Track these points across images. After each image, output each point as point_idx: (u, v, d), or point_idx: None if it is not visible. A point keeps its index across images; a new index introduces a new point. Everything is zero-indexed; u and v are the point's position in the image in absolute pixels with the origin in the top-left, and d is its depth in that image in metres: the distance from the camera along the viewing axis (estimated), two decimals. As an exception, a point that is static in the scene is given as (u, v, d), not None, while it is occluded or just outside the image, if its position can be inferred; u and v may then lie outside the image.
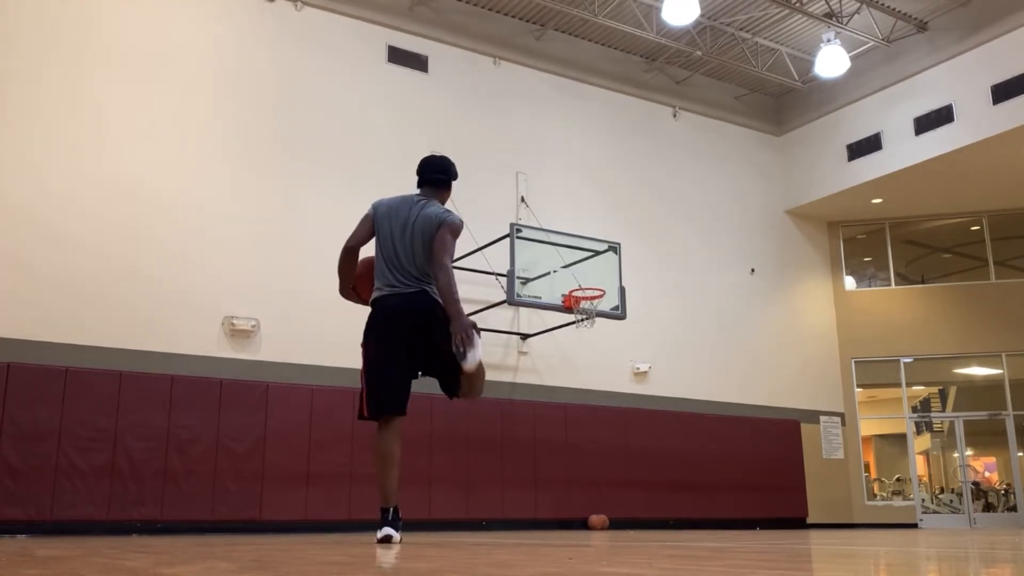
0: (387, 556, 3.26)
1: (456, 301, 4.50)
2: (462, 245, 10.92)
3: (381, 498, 4.61)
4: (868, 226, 15.39)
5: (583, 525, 11.17)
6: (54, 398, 8.48)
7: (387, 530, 4.50)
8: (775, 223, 14.77)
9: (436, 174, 4.88)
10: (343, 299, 5.18)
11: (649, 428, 12.21)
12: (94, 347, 8.90)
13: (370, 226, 4.80)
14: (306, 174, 10.54)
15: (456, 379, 4.74)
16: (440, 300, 4.59)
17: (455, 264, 11.61)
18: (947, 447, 15.66)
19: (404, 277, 4.63)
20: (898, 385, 14.73)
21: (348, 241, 4.89)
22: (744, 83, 14.50)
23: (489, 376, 11.58)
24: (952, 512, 14.50)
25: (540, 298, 10.03)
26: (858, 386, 14.80)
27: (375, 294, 4.75)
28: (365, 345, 4.74)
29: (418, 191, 4.88)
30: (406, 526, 10.62)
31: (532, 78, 12.63)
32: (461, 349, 4.45)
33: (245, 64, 10.46)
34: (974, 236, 15.02)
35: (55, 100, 9.27)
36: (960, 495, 14.56)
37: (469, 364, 4.48)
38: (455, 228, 4.69)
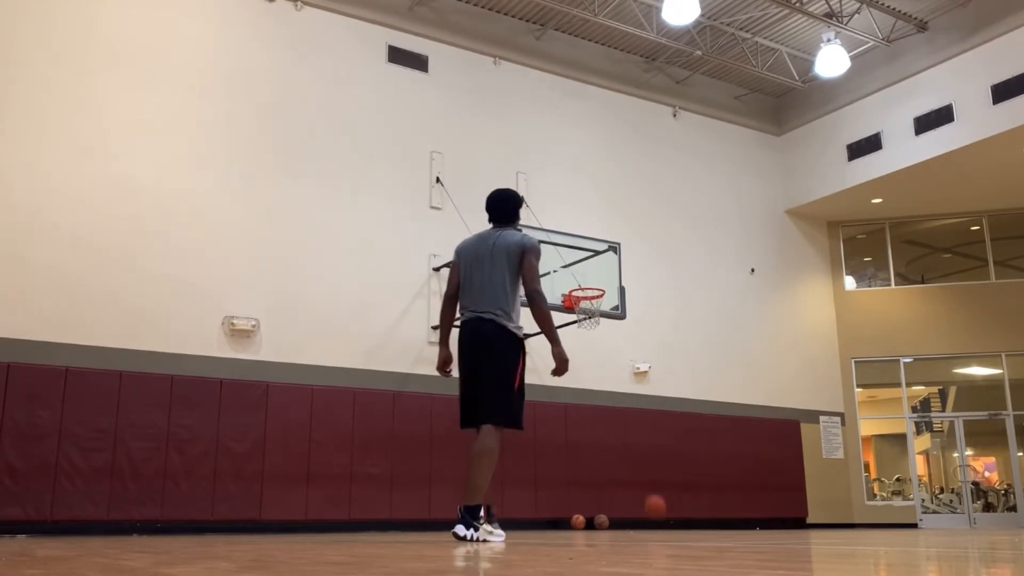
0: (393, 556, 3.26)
1: (554, 328, 5.06)
2: (462, 245, 10.98)
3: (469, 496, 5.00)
4: (868, 226, 15.39)
5: (584, 525, 11.17)
6: (54, 398, 8.48)
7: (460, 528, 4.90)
8: (775, 223, 14.77)
9: (499, 210, 5.35)
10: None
11: (649, 428, 12.21)
12: (94, 347, 8.90)
13: (457, 272, 5.31)
14: (306, 174, 10.55)
15: (481, 404, 5.04)
16: (501, 322, 5.05)
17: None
18: (947, 447, 15.66)
19: (481, 301, 5.09)
20: (898, 385, 14.73)
21: (446, 291, 5.37)
22: (744, 83, 14.51)
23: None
24: (952, 512, 14.50)
25: (540, 298, 10.01)
26: (858, 386, 14.80)
27: (460, 315, 5.24)
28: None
29: (491, 226, 5.38)
30: (407, 526, 10.59)
31: (532, 78, 12.63)
32: (557, 375, 5.10)
33: (245, 64, 10.46)
34: (974, 236, 15.02)
35: (56, 100, 9.27)
36: (960, 495, 14.56)
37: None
38: (537, 250, 5.19)
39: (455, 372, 5.28)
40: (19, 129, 9.04)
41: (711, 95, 14.40)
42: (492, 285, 5.07)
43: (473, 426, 5.06)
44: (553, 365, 5.01)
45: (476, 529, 4.88)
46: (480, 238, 5.29)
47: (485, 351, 5.02)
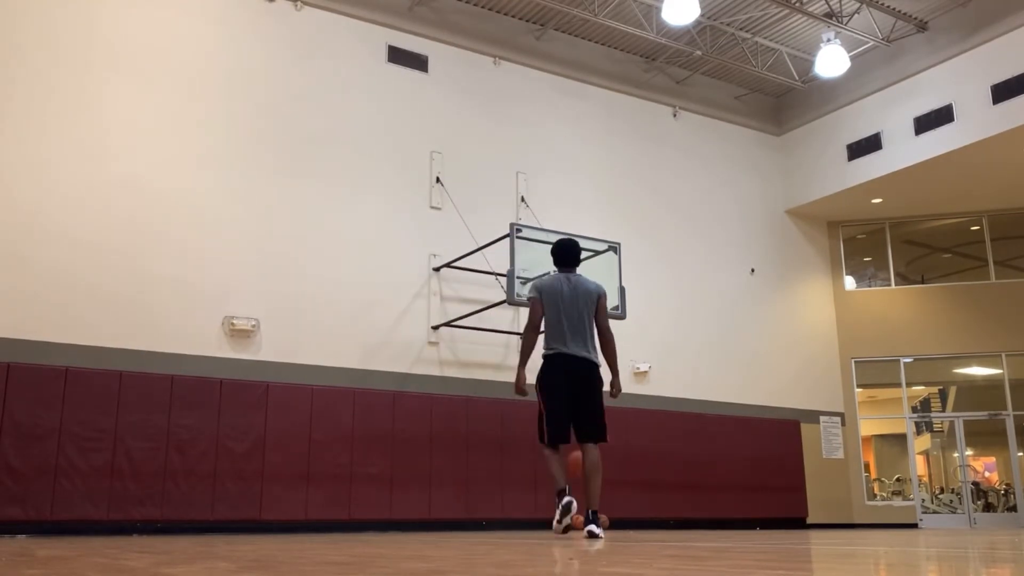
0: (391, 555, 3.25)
1: (617, 362, 6.22)
2: (462, 245, 10.99)
3: (556, 482, 6.04)
4: (868, 226, 15.39)
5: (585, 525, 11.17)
6: (54, 398, 8.47)
7: (590, 526, 5.78)
8: (775, 223, 14.76)
9: (572, 258, 6.32)
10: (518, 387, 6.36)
11: (649, 428, 12.20)
12: (94, 347, 8.90)
13: (540, 306, 6.16)
14: (306, 174, 10.54)
15: (592, 427, 6.01)
16: (596, 362, 6.07)
17: (455, 265, 11.61)
18: (947, 447, 15.66)
19: (573, 342, 6.03)
20: (898, 385, 14.73)
21: (531, 323, 6.23)
22: (744, 83, 14.50)
23: (489, 376, 11.59)
24: (952, 512, 14.50)
25: (540, 298, 10.00)
26: (858, 386, 14.80)
27: (552, 350, 6.09)
28: (543, 388, 6.11)
29: (557, 269, 6.36)
30: (407, 526, 10.60)
31: (532, 78, 12.62)
32: (614, 395, 6.22)
33: (245, 64, 10.46)
34: (974, 236, 15.02)
35: (57, 100, 9.26)
36: (960, 495, 14.56)
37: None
38: (606, 295, 6.29)
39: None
40: (19, 129, 9.04)
41: (711, 95, 14.39)
42: (583, 327, 6.06)
43: (566, 443, 6.06)
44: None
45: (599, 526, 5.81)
46: (559, 281, 6.19)
47: (588, 385, 6.01)
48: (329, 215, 10.59)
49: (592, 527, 5.73)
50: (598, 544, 4.71)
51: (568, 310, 6.05)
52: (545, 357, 6.15)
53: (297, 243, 10.29)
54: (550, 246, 10.18)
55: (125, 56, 9.75)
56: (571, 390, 5.98)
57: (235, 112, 10.26)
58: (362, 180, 10.91)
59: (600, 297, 6.17)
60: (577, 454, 6.29)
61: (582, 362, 6.00)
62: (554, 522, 6.07)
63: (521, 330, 11.43)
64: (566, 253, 6.32)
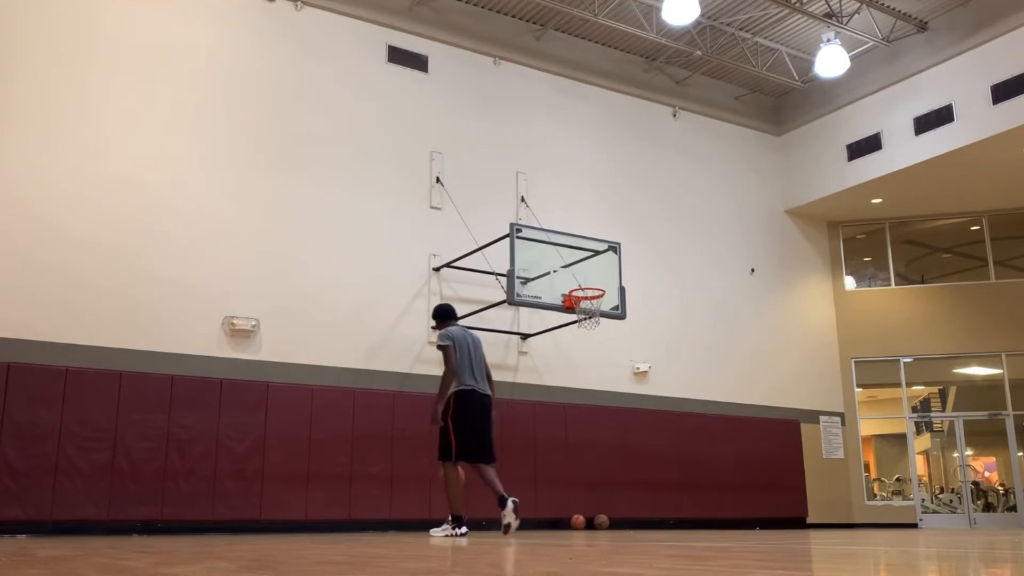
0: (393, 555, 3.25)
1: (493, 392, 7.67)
2: (462, 245, 11.01)
3: (455, 508, 7.33)
4: (868, 226, 15.39)
5: (584, 525, 11.16)
6: (54, 398, 8.48)
7: (464, 528, 7.26)
8: (775, 223, 14.76)
9: (455, 314, 7.98)
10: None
11: (649, 428, 12.21)
12: (94, 347, 8.90)
13: (455, 352, 7.44)
14: (306, 174, 10.54)
15: (492, 451, 7.46)
16: (491, 395, 7.58)
17: (455, 265, 11.65)
18: (947, 447, 15.66)
19: (478, 380, 7.44)
20: (898, 385, 14.73)
21: (450, 367, 7.44)
22: (744, 83, 14.50)
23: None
24: (952, 512, 14.50)
25: (540, 298, 10.02)
26: (858, 386, 14.80)
27: (466, 387, 7.38)
28: (458, 415, 7.31)
29: (454, 322, 7.83)
30: (407, 526, 10.61)
31: (532, 78, 12.62)
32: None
33: (245, 64, 10.46)
34: (974, 236, 15.02)
35: (59, 99, 9.26)
36: (960, 495, 14.56)
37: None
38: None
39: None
40: (21, 128, 9.04)
41: (711, 95, 14.39)
42: (482, 368, 7.52)
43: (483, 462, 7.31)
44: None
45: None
46: (462, 331, 7.62)
47: (489, 415, 7.45)
48: (329, 215, 10.59)
49: (510, 508, 7.01)
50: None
51: (472, 354, 7.48)
52: (461, 392, 7.35)
53: (297, 243, 10.29)
54: (546, 244, 10.36)
55: (126, 56, 9.75)
56: (481, 419, 7.38)
57: (235, 112, 10.25)
58: (362, 180, 10.90)
59: (480, 344, 7.80)
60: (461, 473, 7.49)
61: (486, 396, 7.48)
62: (444, 531, 7.22)
63: (521, 330, 11.50)
64: (452, 312, 7.98)
